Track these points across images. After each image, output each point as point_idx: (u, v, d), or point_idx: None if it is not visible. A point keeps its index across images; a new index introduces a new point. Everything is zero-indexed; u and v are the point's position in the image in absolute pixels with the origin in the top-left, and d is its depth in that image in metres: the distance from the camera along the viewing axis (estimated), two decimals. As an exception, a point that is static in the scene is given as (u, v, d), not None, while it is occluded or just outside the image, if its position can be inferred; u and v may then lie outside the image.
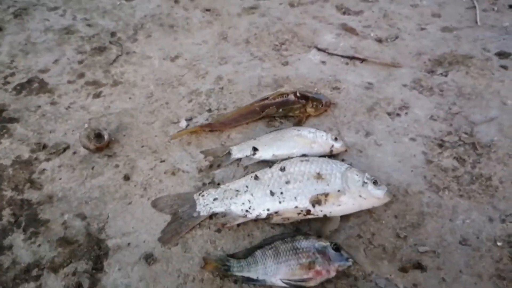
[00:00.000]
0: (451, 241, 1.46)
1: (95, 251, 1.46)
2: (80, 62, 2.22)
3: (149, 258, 1.43)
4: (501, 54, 2.14)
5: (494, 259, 1.41)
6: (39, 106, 1.96)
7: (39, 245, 1.48)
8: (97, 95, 2.00)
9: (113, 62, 2.20)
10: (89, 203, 1.59)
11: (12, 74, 2.15)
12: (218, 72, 2.10)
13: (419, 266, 1.40)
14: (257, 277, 1.32)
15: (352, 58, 2.20)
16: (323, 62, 2.19)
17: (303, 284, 1.30)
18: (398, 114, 1.89)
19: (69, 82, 2.07)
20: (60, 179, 1.67)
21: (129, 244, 1.48)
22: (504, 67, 2.05)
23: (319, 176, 1.48)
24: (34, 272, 1.41)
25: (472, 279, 1.37)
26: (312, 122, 1.87)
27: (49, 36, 2.40)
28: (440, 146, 1.75)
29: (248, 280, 1.33)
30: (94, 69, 2.17)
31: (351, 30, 2.39)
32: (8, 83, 2.05)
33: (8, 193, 1.62)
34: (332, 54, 2.23)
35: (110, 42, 2.31)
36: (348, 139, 1.80)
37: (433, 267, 1.39)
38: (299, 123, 1.85)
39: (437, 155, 1.71)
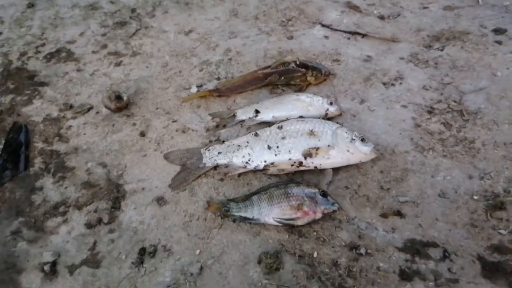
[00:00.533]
0: (431, 194, 1.61)
1: (114, 193, 1.67)
2: (103, 35, 2.43)
3: (160, 200, 1.64)
4: (497, 31, 2.24)
5: (470, 210, 1.55)
6: (67, 73, 2.18)
7: (66, 188, 1.71)
8: (118, 64, 2.21)
9: (133, 35, 2.40)
10: (110, 154, 1.81)
11: (43, 45, 2.38)
12: (227, 45, 2.28)
13: (398, 214, 1.56)
14: (253, 217, 1.51)
15: (353, 33, 2.34)
16: (326, 37, 2.34)
17: (292, 222, 1.48)
18: (392, 84, 2.03)
19: (93, 52, 2.29)
20: (85, 134, 1.89)
21: (143, 188, 1.69)
22: (499, 42, 2.15)
23: (311, 133, 1.65)
24: (61, 209, 1.64)
25: (447, 226, 1.52)
26: (312, 90, 2.03)
27: (76, 12, 2.62)
28: (429, 112, 1.88)
29: (245, 219, 1.52)
30: (116, 41, 2.38)
31: (355, 8, 2.52)
32: (39, 52, 2.28)
33: (39, 145, 1.85)
34: (335, 30, 2.37)
35: (131, 17, 2.52)
36: (343, 105, 1.95)
37: (412, 215, 1.55)
38: (299, 90, 2.01)
39: (425, 120, 1.85)
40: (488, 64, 2.05)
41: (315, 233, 1.51)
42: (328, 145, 1.62)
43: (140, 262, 1.47)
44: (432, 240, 1.49)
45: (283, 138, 1.67)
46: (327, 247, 1.48)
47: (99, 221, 1.59)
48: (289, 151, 1.63)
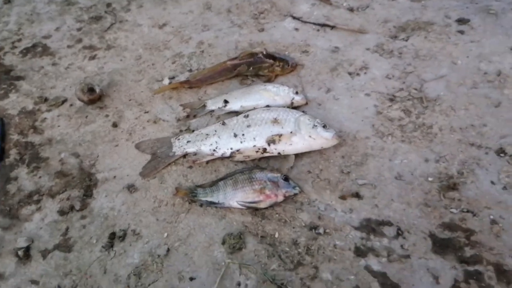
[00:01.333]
0: (388, 177, 1.70)
1: (86, 182, 1.74)
2: (79, 29, 2.48)
3: (131, 188, 1.71)
4: (461, 21, 2.32)
5: (424, 191, 1.65)
6: (42, 67, 2.23)
7: (40, 177, 1.77)
8: (92, 58, 2.27)
9: (108, 29, 2.45)
10: (82, 145, 1.87)
11: (19, 40, 2.43)
12: (200, 38, 2.34)
13: (356, 195, 1.65)
14: (218, 201, 1.59)
15: (323, 25, 2.41)
16: (296, 29, 2.41)
17: (255, 205, 1.56)
18: (358, 74, 2.11)
19: (68, 46, 2.34)
20: (59, 126, 1.95)
21: (115, 177, 1.76)
22: (461, 32, 2.24)
23: (275, 121, 1.73)
24: (35, 197, 1.70)
25: (402, 206, 1.61)
26: (280, 80, 2.11)
27: (52, 7, 2.66)
28: (391, 100, 1.97)
29: (211, 203, 1.60)
30: (91, 35, 2.43)
31: (325, 1, 2.59)
32: (16, 47, 2.33)
33: (15, 137, 1.91)
34: (305, 22, 2.45)
35: (106, 12, 2.57)
36: (310, 94, 2.03)
37: (369, 196, 1.64)
38: (268, 81, 2.09)
39: (386, 107, 1.94)
40: (450, 53, 2.13)
41: (277, 215, 1.60)
42: (291, 132, 1.70)
43: (110, 245, 1.54)
44: (387, 219, 1.57)
45: (248, 126, 1.74)
46: (288, 227, 1.56)
47: (71, 208, 1.65)
48: (254, 138, 1.71)
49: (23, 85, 2.14)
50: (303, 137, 1.69)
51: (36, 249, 1.56)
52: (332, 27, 2.40)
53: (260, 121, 1.74)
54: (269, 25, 2.45)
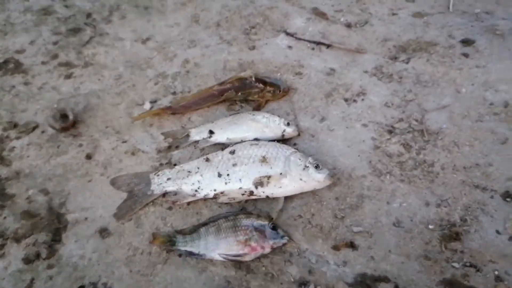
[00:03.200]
0: (385, 223, 1.56)
1: (55, 224, 1.58)
2: (55, 43, 2.29)
3: (103, 232, 1.56)
4: (465, 42, 2.17)
5: (424, 240, 1.51)
6: (14, 86, 2.05)
7: (5, 218, 1.61)
8: (68, 76, 2.09)
9: (86, 43, 2.27)
10: (52, 179, 1.71)
11: (-10, 54, 2.24)
12: (186, 55, 2.17)
13: (351, 245, 1.51)
14: (199, 252, 1.44)
15: (318, 43, 2.25)
16: (290, 47, 2.25)
17: (238, 258, 1.41)
18: (354, 100, 1.96)
19: (43, 63, 2.16)
20: (28, 156, 1.79)
21: (86, 218, 1.60)
22: (465, 55, 2.09)
23: (264, 160, 1.58)
24: (-1, 242, 1.54)
25: (400, 258, 1.47)
26: (271, 106, 1.95)
27: (28, 17, 2.46)
28: (390, 132, 1.82)
29: (191, 254, 1.45)
30: (68, 50, 2.24)
31: (321, 15, 2.42)
32: (-15, 63, 2.14)
33: (-21, 169, 1.74)
34: (299, 39, 2.28)
35: (85, 24, 2.38)
36: (303, 123, 1.88)
37: (365, 246, 1.50)
38: (258, 107, 1.93)
39: (385, 141, 1.79)
40: (453, 79, 1.99)
41: (264, 268, 1.45)
42: (280, 173, 1.55)
43: (78, 302, 1.39)
44: (383, 275, 1.44)
45: (234, 165, 1.59)
46: (275, 283, 1.42)
47: (38, 255, 1.50)
48: (240, 179, 1.56)
49: (-8, 107, 1.97)
50: (293, 179, 1.55)
51: (-4, 304, 1.41)
52: (328, 46, 2.24)
53: (247, 160, 1.59)
54: (261, 42, 2.28)
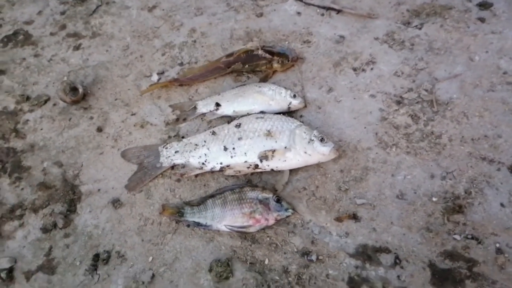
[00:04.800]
0: (389, 195, 1.58)
1: (69, 195, 1.66)
2: (63, 13, 2.28)
3: (116, 203, 1.63)
4: (482, 5, 2.07)
5: (427, 213, 1.53)
6: (24, 59, 2.08)
7: (22, 189, 1.69)
8: (76, 48, 2.10)
9: (93, 12, 2.26)
10: (66, 152, 1.77)
11: (0, 26, 2.25)
12: (192, 24, 2.14)
13: (354, 217, 1.54)
14: (206, 223, 1.50)
15: (328, 8, 2.18)
16: (299, 13, 2.19)
17: (243, 230, 1.47)
18: (363, 70, 1.93)
19: (51, 34, 2.16)
20: (41, 129, 1.84)
21: (99, 190, 1.67)
22: (481, 20, 2.00)
23: (269, 133, 1.59)
24: (18, 212, 1.63)
25: (402, 230, 1.51)
26: (278, 77, 1.93)
27: (34, -15, 2.44)
28: (398, 103, 1.80)
29: (198, 224, 1.51)
30: (75, 20, 2.24)
31: (332, -23, 2.32)
32: (-5, 35, 2.17)
33: (-4, 142, 1.81)
34: (309, 4, 2.21)
35: (91, -9, 2.35)
36: (310, 94, 1.86)
37: (367, 218, 1.53)
38: (265, 78, 1.92)
39: (393, 112, 1.77)
40: (467, 46, 1.92)
41: (268, 239, 1.51)
42: (285, 147, 1.57)
43: (93, 268, 1.49)
44: (384, 246, 1.48)
45: (239, 138, 1.61)
46: (279, 253, 1.48)
47: (55, 225, 1.59)
48: (245, 153, 1.59)
49: (4, 80, 2.01)
50: (298, 152, 1.56)
51: (20, 270, 1.52)
52: (338, 11, 2.17)
53: (253, 133, 1.60)
54: (269, 8, 2.22)
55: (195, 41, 2.08)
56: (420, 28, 2.05)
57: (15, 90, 1.97)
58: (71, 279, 1.48)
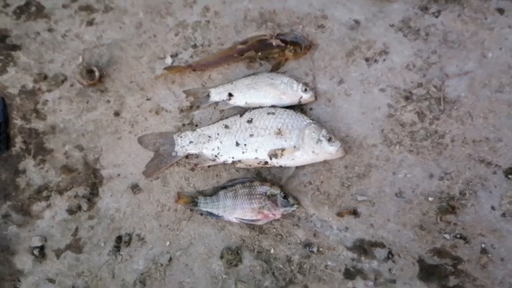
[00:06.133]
0: (388, 193, 1.70)
1: (91, 179, 1.79)
2: (73, -19, 2.23)
3: (135, 188, 1.76)
4: (504, -7, 2.01)
5: (422, 211, 1.66)
6: (38, 33, 2.08)
7: (47, 171, 1.82)
8: (90, 23, 2.09)
9: (105, -17, 2.21)
10: (85, 135, 1.86)
11: (10, -6, 2.22)
12: (205, 1, 2.11)
13: (354, 213, 1.67)
14: (218, 213, 1.64)
15: (345, -11, 2.12)
16: (314, -7, 2.13)
17: (252, 223, 1.62)
18: (375, 60, 1.94)
19: (63, 6, 2.14)
20: (61, 110, 1.92)
21: (119, 175, 1.79)
22: (500, 11, 1.96)
23: (279, 132, 1.67)
24: (44, 193, 1.78)
25: (397, 226, 1.65)
26: (291, 65, 1.95)
27: None
28: (407, 98, 1.84)
29: (211, 214, 1.65)
30: (86, -10, 2.20)
31: (352, -49, 2.22)
32: (8, 5, 2.14)
33: (18, 122, 1.90)
34: (325, -17, 2.15)
35: (101, -43, 2.27)
36: (321, 86, 1.90)
37: (366, 214, 1.67)
38: (277, 65, 1.94)
39: (400, 108, 1.83)
40: (482, 41, 1.91)
41: (274, 230, 1.66)
42: (294, 146, 1.66)
43: (117, 250, 1.66)
44: (380, 241, 1.63)
45: (251, 135, 1.69)
46: (283, 244, 1.64)
47: (79, 207, 1.73)
48: (256, 150, 1.68)
49: (21, 56, 2.04)
50: (306, 152, 1.66)
51: (50, 248, 1.69)
52: (355, -8, 2.11)
53: (264, 131, 1.68)
54: (284, -15, 2.16)
55: (208, 21, 2.06)
56: (437, 16, 2.01)
57: (32, 67, 2.01)
58: (97, 258, 1.67)
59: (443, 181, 1.70)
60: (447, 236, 1.62)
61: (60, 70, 2.00)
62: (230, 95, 1.84)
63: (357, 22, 2.04)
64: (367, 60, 1.94)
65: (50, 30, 2.10)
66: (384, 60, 1.94)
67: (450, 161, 1.72)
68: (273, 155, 1.66)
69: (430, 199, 1.68)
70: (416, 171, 1.72)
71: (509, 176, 1.68)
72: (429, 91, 1.85)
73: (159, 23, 2.09)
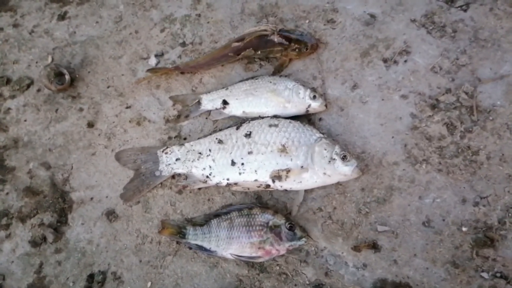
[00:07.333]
0: (414, 222, 1.42)
1: (59, 204, 1.51)
2: (43, -32, 1.93)
3: (110, 215, 1.48)
4: (544, -17, 1.73)
5: (454, 244, 1.39)
6: (2, 29, 1.80)
7: (7, 194, 1.53)
8: (62, 17, 1.80)
9: (79, -29, 1.91)
10: (53, 151, 1.58)
11: (-30, -17, 1.92)
12: (197, -8, 1.82)
13: (373, 246, 1.40)
14: (210, 248, 1.36)
15: (358, -23, 1.83)
16: (323, -18, 1.84)
17: (251, 260, 1.33)
18: (395, 62, 1.66)
19: (31, -4, 1.85)
20: (25, 120, 1.64)
21: (92, 198, 1.51)
22: (541, 4, 1.68)
23: (283, 149, 1.39)
24: (4, 221, 1.49)
25: (425, 263, 1.37)
26: (296, 67, 1.67)
27: None
28: (433, 107, 1.56)
29: (202, 248, 1.37)
30: (58, -21, 1.90)
31: None
32: (-34, -4, 1.85)
33: (-26, 134, 1.61)
34: (335, -29, 1.85)
35: None
36: (331, 91, 1.62)
37: (388, 248, 1.39)
38: (280, 67, 1.66)
39: (426, 118, 1.55)
40: (519, 39, 1.63)
41: (278, 268, 1.39)
42: (301, 166, 1.37)
43: (88, 291, 1.38)
44: (405, 281, 1.36)
45: (249, 152, 1.41)
46: (289, 285, 1.36)
47: (44, 238, 1.45)
48: (255, 171, 1.40)
49: (-20, 56, 1.75)
50: (316, 173, 1.37)
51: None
52: (370, -18, 1.82)
53: (265, 148, 1.40)
54: (288, -26, 1.87)
55: (199, 15, 1.77)
56: (465, 10, 1.73)
57: (-7, 69, 1.72)
58: (65, 301, 1.39)
59: (479, 207, 1.42)
60: (485, 275, 1.35)
61: (26, 72, 1.71)
62: (225, 102, 1.55)
63: (373, 16, 1.76)
64: (385, 61, 1.66)
65: (15, 25, 1.81)
66: (405, 61, 1.65)
67: (486, 182, 1.45)
68: (276, 177, 1.38)
69: (464, 229, 1.40)
70: (446, 194, 1.44)
71: (558, 201, 1.40)
72: (459, 98, 1.56)
73: (141, 18, 1.80)
